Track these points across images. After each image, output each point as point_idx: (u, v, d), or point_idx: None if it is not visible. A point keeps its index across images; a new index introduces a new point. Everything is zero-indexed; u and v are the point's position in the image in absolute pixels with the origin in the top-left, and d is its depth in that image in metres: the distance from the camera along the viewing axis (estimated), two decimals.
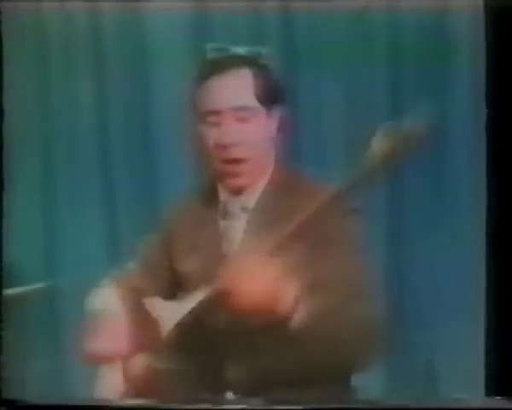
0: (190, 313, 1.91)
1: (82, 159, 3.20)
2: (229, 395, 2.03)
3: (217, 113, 2.09)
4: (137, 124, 3.22)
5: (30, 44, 3.15)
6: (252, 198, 2.12)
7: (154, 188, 3.17)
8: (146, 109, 3.20)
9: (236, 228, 2.11)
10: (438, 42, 3.04)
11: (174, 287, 2.13)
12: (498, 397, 2.07)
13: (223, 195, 2.15)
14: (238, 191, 2.13)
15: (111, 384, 2.04)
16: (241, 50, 2.14)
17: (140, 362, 2.02)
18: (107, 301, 2.10)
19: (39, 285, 3.04)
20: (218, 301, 1.85)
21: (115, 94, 3.22)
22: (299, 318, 1.84)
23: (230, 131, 2.08)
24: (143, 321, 1.99)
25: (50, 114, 3.23)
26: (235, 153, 2.08)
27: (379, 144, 1.77)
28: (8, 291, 2.56)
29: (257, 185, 2.13)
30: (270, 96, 2.12)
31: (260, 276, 1.81)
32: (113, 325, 2.05)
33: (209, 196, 2.18)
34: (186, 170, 2.96)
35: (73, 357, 3.06)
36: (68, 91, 3.22)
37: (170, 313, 1.93)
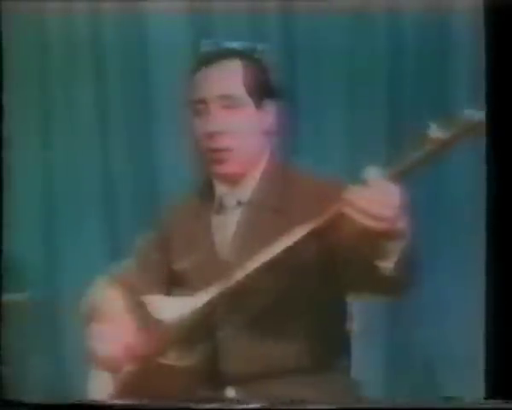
0: (197, 310, 1.91)
1: (82, 158, 3.21)
2: (230, 392, 2.02)
3: (203, 101, 2.07)
4: (137, 123, 3.22)
5: (30, 44, 3.16)
6: (246, 192, 2.11)
7: (154, 187, 3.18)
8: (146, 107, 3.20)
9: (231, 222, 2.10)
10: (438, 42, 3.04)
11: (171, 285, 2.13)
12: (498, 398, 2.07)
13: (218, 190, 2.14)
14: (228, 180, 2.10)
15: (107, 384, 2.03)
16: (235, 45, 2.13)
17: (135, 361, 2.01)
18: (107, 299, 2.09)
19: (39, 291, 3.07)
20: (335, 225, 1.79)
21: (115, 92, 3.23)
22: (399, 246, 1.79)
23: (216, 120, 2.05)
24: (141, 319, 1.99)
25: (50, 112, 3.24)
26: (221, 142, 2.05)
27: (436, 132, 1.75)
28: (9, 294, 2.56)
29: (251, 179, 2.11)
30: (262, 88, 2.09)
31: (386, 199, 1.75)
32: (115, 326, 2.03)
33: (205, 193, 2.17)
34: (186, 169, 2.96)
35: (73, 357, 3.08)
36: (68, 90, 3.23)
37: (172, 310, 1.93)
